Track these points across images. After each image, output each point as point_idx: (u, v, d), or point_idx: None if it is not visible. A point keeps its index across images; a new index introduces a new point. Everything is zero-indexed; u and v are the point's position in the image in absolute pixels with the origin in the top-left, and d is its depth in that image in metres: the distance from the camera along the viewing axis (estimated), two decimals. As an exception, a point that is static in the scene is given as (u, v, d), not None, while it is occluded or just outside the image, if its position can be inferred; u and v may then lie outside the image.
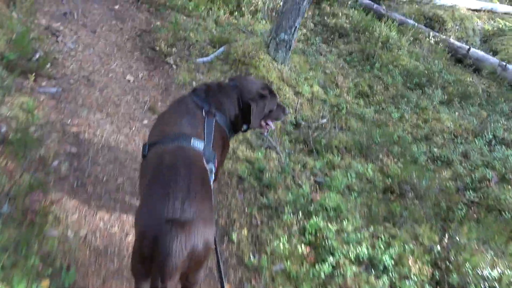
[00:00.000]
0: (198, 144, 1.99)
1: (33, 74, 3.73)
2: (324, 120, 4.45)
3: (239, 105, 2.34)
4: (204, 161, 1.99)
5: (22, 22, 4.22)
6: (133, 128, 3.69)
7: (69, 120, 3.46)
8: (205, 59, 4.81)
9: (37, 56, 3.98)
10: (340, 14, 7.12)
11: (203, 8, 5.86)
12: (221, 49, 4.98)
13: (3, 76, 3.51)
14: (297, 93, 4.60)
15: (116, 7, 5.40)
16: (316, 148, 4.03)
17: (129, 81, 4.29)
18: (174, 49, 4.77)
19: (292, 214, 3.12)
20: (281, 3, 4.48)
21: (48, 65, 3.98)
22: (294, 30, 4.49)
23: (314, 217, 3.06)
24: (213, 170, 2.06)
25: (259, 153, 3.70)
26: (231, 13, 6.22)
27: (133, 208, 2.93)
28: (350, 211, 3.30)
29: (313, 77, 5.00)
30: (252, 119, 2.36)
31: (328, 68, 5.51)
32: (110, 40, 4.78)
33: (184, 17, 5.62)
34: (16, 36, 3.93)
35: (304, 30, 6.39)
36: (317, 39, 6.32)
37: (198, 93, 2.24)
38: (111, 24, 5.07)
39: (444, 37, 7.19)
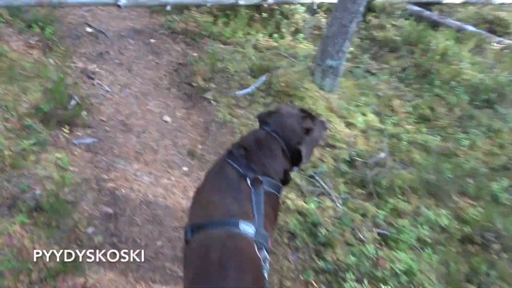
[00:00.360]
0: (248, 229, 1.65)
1: (69, 125, 3.58)
2: (383, 155, 3.92)
3: (287, 156, 2.01)
4: (256, 249, 1.64)
5: (58, 68, 4.11)
6: (172, 178, 3.39)
7: (105, 175, 3.22)
8: (245, 91, 4.47)
9: (72, 103, 3.82)
10: (388, 26, 6.54)
11: (241, 34, 5.56)
12: (262, 78, 4.62)
13: (39, 130, 3.36)
14: (349, 124, 4.12)
15: (152, 40, 5.23)
16: (377, 190, 3.52)
17: (166, 122, 4.04)
18: (212, 83, 4.47)
19: (356, 282, 2.64)
20: (326, 27, 4.05)
21: (84, 112, 3.81)
22: (342, 56, 4.04)
23: (382, 286, 2.57)
24: (268, 258, 1.69)
25: (312, 203, 3.26)
26: (270, 36, 5.87)
27: (174, 278, 2.62)
28: (424, 273, 2.78)
29: (365, 103, 4.49)
30: (304, 160, 2.04)
31: (381, 90, 4.98)
32: (146, 78, 4.58)
33: (222, 45, 5.34)
34: (52, 85, 3.80)
35: (351, 47, 5.88)
36: (365, 56, 5.81)
37: (236, 158, 1.90)
38: (147, 59, 4.88)
39: (510, 42, 6.38)
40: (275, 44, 5.63)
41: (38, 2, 4.13)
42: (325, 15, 6.61)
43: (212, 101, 4.33)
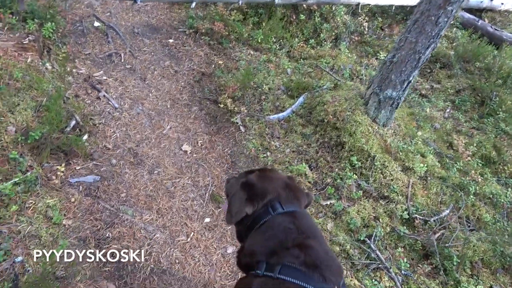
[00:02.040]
0: None
1: (66, 155, 2.86)
2: (446, 212, 3.21)
3: None
4: None
5: (56, 76, 3.35)
6: (191, 235, 2.70)
7: (108, 232, 2.52)
8: (280, 115, 3.72)
9: (72, 124, 3.09)
10: (439, 37, 5.69)
11: (273, 39, 4.74)
12: (300, 99, 3.86)
13: (26, 165, 2.64)
14: (406, 169, 3.39)
15: (171, 40, 4.43)
16: (443, 263, 2.82)
17: (185, 152, 3.31)
18: (241, 104, 3.72)
19: None
20: (392, 50, 3.26)
21: (85, 137, 3.08)
22: (407, 86, 3.27)
23: None
24: None
25: (367, 280, 2.57)
26: (307, 41, 5.05)
27: None
28: None
29: (422, 140, 3.74)
30: None
31: (437, 120, 4.21)
32: (163, 90, 3.81)
33: (252, 51, 4.54)
34: (46, 101, 3.06)
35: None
36: (414, 74, 4.98)
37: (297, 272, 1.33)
38: (164, 65, 4.10)
39: None
40: (312, 51, 4.83)
41: (35, -8, 3.34)
42: (367, 18, 5.77)
43: (240, 126, 3.59)
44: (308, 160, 3.36)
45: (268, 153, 3.38)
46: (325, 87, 4.01)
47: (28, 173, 2.63)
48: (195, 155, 3.31)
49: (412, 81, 3.27)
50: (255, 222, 1.52)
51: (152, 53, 4.21)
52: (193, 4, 4.21)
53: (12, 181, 2.51)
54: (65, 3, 3.66)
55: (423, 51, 3.05)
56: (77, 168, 2.85)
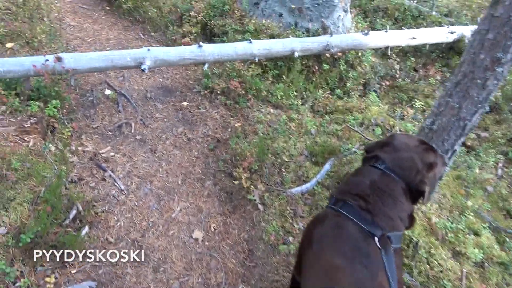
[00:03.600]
0: None
1: (61, 258, 2.57)
2: (514, 311, 2.60)
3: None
4: None
5: (60, 158, 3.12)
6: None
7: None
8: (304, 187, 3.28)
9: (72, 215, 2.81)
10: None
11: (295, 93, 4.38)
12: (326, 166, 3.42)
13: (15, 275, 2.36)
14: (457, 255, 2.82)
15: (185, 103, 4.16)
16: None
17: (196, 241, 2.93)
18: (259, 177, 3.32)
19: None
20: (430, 115, 2.78)
21: (86, 230, 2.79)
22: (451, 156, 2.76)
23: None
24: None
25: None
26: (332, 91, 4.65)
27: None
28: None
29: (474, 211, 3.16)
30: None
31: (488, 182, 3.62)
32: (174, 163, 3.51)
33: (271, 110, 4.19)
34: (45, 191, 2.81)
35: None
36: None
37: (355, 211, 1.63)
38: (177, 133, 3.82)
39: None
40: (339, 103, 4.40)
41: (36, 71, 3.17)
42: (398, 59, 5.30)
43: (259, 204, 3.18)
44: (337, 246, 2.87)
45: (291, 238, 2.94)
46: (354, 149, 3.55)
47: (18, 284, 2.35)
48: (207, 243, 2.93)
49: (457, 150, 2.75)
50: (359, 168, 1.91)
51: (165, 119, 3.95)
52: (206, 66, 3.94)
53: (-4, 298, 2.23)
54: (71, 79, 3.48)
55: (468, 117, 2.55)
56: (72, 271, 2.54)
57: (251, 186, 3.19)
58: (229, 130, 3.91)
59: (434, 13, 6.45)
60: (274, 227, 2.99)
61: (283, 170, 3.43)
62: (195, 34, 5.12)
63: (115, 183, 3.19)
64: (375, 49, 4.95)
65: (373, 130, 3.98)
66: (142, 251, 2.77)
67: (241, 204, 3.22)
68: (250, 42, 4.02)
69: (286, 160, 3.46)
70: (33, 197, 2.79)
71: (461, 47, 5.50)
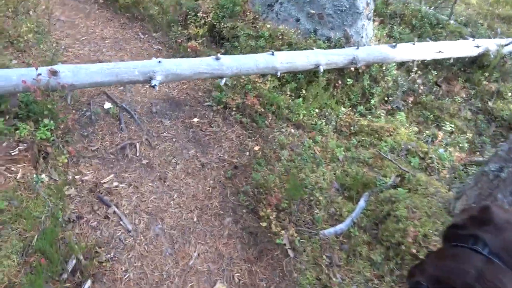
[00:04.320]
0: None
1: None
2: None
3: None
4: None
5: (54, 192, 2.61)
6: None
7: None
8: (338, 228, 2.88)
9: (70, 267, 2.33)
10: None
11: (316, 110, 3.96)
12: (361, 203, 3.02)
13: None
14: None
15: (195, 120, 3.68)
16: None
17: (219, 296, 2.49)
18: (287, 215, 2.90)
19: None
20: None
21: (88, 285, 2.31)
22: (519, 206, 2.40)
23: None
24: None
25: None
26: (354, 108, 4.25)
27: None
28: None
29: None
30: None
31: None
32: (187, 194, 3.04)
33: (292, 130, 3.75)
34: (38, 237, 2.31)
35: (469, 134, 4.20)
36: (492, 151, 4.12)
37: None
38: (188, 156, 3.34)
39: None
40: (364, 122, 4.00)
41: (26, 88, 2.63)
42: (420, 72, 4.94)
43: (288, 249, 2.76)
44: (383, 305, 2.50)
45: (329, 293, 2.54)
46: (390, 182, 3.17)
47: None
48: (231, 299, 2.50)
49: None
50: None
51: (174, 139, 3.46)
52: (223, 81, 3.46)
53: None
54: (68, 96, 2.95)
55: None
56: None
57: (279, 227, 2.77)
58: (248, 154, 3.46)
59: (452, 21, 6.11)
60: (309, 279, 2.59)
61: (314, 206, 3.02)
62: (202, 37, 4.61)
63: (121, 222, 2.71)
64: (401, 63, 4.57)
65: (405, 156, 3.60)
66: (157, 312, 2.32)
67: (268, 248, 2.79)
68: (273, 54, 3.56)
69: (317, 195, 3.05)
70: (22, 247, 2.29)
71: (484, 61, 5.18)
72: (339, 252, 2.78)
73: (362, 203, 3.03)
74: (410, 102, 4.57)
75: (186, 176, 3.19)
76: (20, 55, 3.69)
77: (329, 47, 4.32)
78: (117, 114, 3.46)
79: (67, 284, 2.28)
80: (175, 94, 3.99)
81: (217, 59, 3.32)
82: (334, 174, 3.29)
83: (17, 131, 2.65)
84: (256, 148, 3.49)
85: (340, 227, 2.90)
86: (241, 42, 4.42)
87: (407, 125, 4.11)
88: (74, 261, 2.37)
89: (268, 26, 4.55)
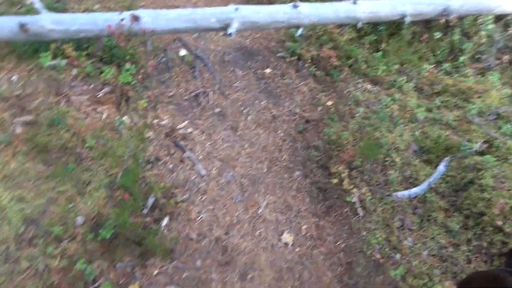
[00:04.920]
0: None
1: (140, 254, 2.28)
2: None
3: None
4: None
5: (135, 133, 2.76)
6: None
7: None
8: (412, 191, 2.75)
9: (150, 204, 2.50)
10: None
11: (396, 66, 3.68)
12: (440, 168, 2.84)
13: (94, 275, 2.11)
14: None
15: (268, 71, 3.61)
16: None
17: (286, 245, 2.55)
18: (359, 174, 2.82)
19: None
20: None
21: (165, 221, 2.47)
22: None
23: None
24: None
25: None
26: (438, 65, 3.89)
27: None
28: None
29: None
30: None
31: None
32: (258, 145, 3.06)
33: (369, 85, 3.55)
34: (122, 175, 2.48)
35: None
36: None
37: None
38: (259, 107, 3.32)
39: None
40: (449, 82, 3.66)
41: (110, 32, 2.71)
42: (520, 27, 4.33)
43: (358, 208, 2.71)
44: (455, 274, 2.39)
45: (398, 256, 2.47)
46: (475, 149, 2.92)
47: (97, 285, 2.10)
48: (298, 249, 2.54)
49: None
50: None
51: (246, 90, 3.44)
52: (299, 31, 3.31)
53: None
54: (148, 42, 3.01)
55: None
56: (154, 273, 2.26)
57: (351, 185, 2.70)
58: (320, 108, 3.35)
59: None
60: (378, 239, 2.54)
61: (388, 167, 2.89)
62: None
63: (195, 167, 2.81)
64: (499, 16, 4.02)
65: (495, 121, 3.27)
66: (227, 253, 2.43)
67: (337, 205, 2.76)
68: (355, 3, 3.30)
69: (392, 155, 2.90)
70: (109, 181, 2.48)
71: None
72: (412, 216, 2.67)
73: (442, 168, 2.84)
74: (505, 61, 4.07)
75: (257, 127, 3.20)
76: (102, -1, 3.79)
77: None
78: (192, 61, 3.49)
79: (147, 219, 2.44)
80: (248, 43, 3.92)
81: (295, 6, 3.15)
82: (412, 135, 3.10)
83: (102, 74, 2.78)
84: (329, 103, 3.37)
85: (415, 190, 2.76)
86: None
87: (500, 86, 3.69)
88: (153, 199, 2.53)
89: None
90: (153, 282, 2.23)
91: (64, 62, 2.73)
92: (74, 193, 2.35)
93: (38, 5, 2.81)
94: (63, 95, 2.64)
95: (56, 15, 2.71)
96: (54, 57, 2.73)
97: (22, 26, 2.50)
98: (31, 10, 2.92)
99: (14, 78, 2.60)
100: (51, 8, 2.97)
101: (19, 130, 2.38)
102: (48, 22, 2.59)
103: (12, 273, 2.02)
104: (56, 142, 2.41)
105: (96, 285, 2.11)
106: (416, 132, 3.11)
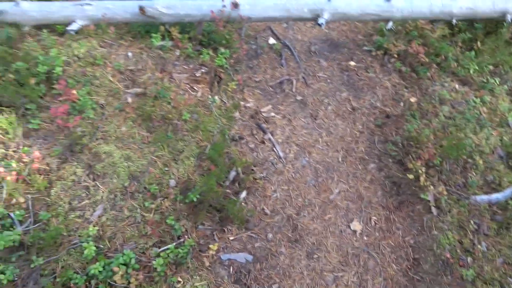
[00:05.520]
0: None
1: (221, 220, 2.55)
2: None
3: None
4: None
5: (224, 112, 3.03)
6: None
7: None
8: (493, 197, 2.67)
9: (232, 177, 2.75)
10: None
11: (490, 67, 3.50)
12: (528, 176, 2.70)
13: (180, 232, 2.41)
14: None
15: (352, 63, 3.66)
16: None
17: (354, 232, 2.65)
18: (437, 173, 2.79)
19: None
20: None
21: (244, 194, 2.71)
22: None
23: None
24: None
25: None
26: (540, 69, 3.60)
27: None
28: None
29: None
30: None
31: None
32: (335, 134, 3.16)
33: (457, 86, 3.43)
34: (210, 148, 2.77)
35: None
36: None
37: None
38: (340, 99, 3.41)
39: None
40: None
41: (212, 17, 2.99)
42: None
43: (432, 207, 2.70)
44: (532, 285, 2.31)
45: (469, 259, 2.45)
46: None
47: (182, 240, 2.41)
48: (365, 238, 2.62)
49: None
50: None
51: (328, 80, 3.54)
52: (389, 24, 3.31)
53: (165, 249, 2.31)
54: (243, 28, 3.25)
55: None
56: (230, 238, 2.51)
57: (427, 181, 2.69)
58: (402, 104, 3.34)
59: None
60: (450, 240, 2.52)
61: (468, 169, 2.82)
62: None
63: (274, 148, 3.01)
64: None
65: None
66: (297, 231, 2.61)
67: (410, 201, 2.77)
68: (453, -1, 3.20)
69: (476, 158, 2.82)
70: (199, 152, 2.77)
71: None
72: (489, 221, 2.60)
73: (530, 176, 2.70)
74: None
75: (336, 117, 3.29)
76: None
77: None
78: (279, 50, 3.67)
79: (228, 190, 2.70)
80: (334, 35, 3.99)
81: (388, 0, 3.15)
82: (500, 139, 2.97)
83: (201, 56, 3.08)
84: (413, 99, 3.33)
85: (497, 196, 2.67)
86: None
87: None
88: (234, 173, 2.77)
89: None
90: (228, 246, 2.48)
91: (170, 43, 3.07)
92: (170, 158, 2.68)
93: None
94: (167, 72, 2.99)
95: (168, 0, 3.06)
96: (162, 38, 3.08)
97: (141, 9, 2.88)
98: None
99: (130, 54, 3.00)
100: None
101: (130, 99, 2.77)
102: (161, 6, 2.95)
103: (116, 219, 2.40)
104: (159, 112, 2.76)
105: (181, 240, 2.42)
106: (505, 137, 2.97)
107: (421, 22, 3.64)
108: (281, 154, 2.98)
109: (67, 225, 2.24)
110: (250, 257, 2.44)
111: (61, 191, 2.30)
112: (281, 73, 3.53)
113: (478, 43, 3.65)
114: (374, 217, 2.73)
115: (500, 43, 3.60)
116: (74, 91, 2.48)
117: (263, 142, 3.04)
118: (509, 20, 3.35)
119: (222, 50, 3.18)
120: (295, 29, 3.98)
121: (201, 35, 3.24)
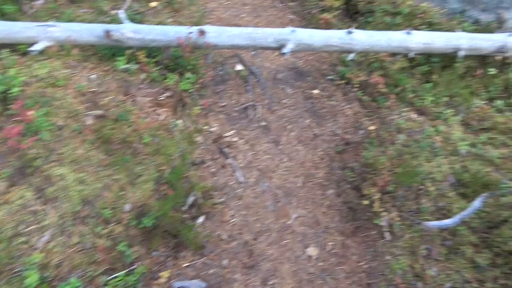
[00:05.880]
0: None
1: (174, 246, 2.54)
2: None
3: None
4: None
5: (186, 136, 3.05)
6: None
7: None
8: (443, 223, 2.75)
9: (190, 201, 2.76)
10: None
11: (445, 98, 3.67)
12: (476, 203, 2.80)
13: (132, 258, 2.38)
14: None
15: (316, 91, 3.78)
16: None
17: (310, 258, 2.68)
18: (391, 200, 2.87)
19: None
20: None
21: (201, 220, 2.71)
22: None
23: None
24: None
25: None
26: (491, 101, 3.81)
27: None
28: None
29: None
30: None
31: None
32: (296, 160, 3.23)
33: (413, 116, 3.57)
34: (170, 172, 2.77)
35: None
36: None
37: None
38: (302, 125, 3.50)
39: None
40: (499, 119, 3.58)
41: (179, 43, 3.06)
42: None
43: (385, 232, 2.77)
44: (478, 311, 2.37)
45: (420, 284, 2.50)
46: (518, 190, 2.85)
47: (134, 267, 2.37)
48: (321, 264, 2.65)
49: None
50: None
51: (292, 107, 3.64)
52: (351, 56, 3.46)
53: (114, 277, 2.27)
54: (210, 55, 3.33)
55: None
56: (184, 264, 2.50)
57: (381, 208, 2.77)
58: (361, 132, 3.45)
59: None
60: (401, 265, 2.58)
61: (421, 195, 2.92)
62: (337, 10, 4.57)
63: (235, 173, 3.04)
64: None
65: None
66: (253, 256, 2.61)
67: (365, 226, 2.84)
68: (409, 34, 3.38)
69: (428, 185, 2.93)
70: (157, 176, 2.77)
71: None
72: (439, 246, 2.68)
73: (477, 203, 2.81)
74: None
75: (298, 143, 3.37)
76: (174, 14, 4.21)
77: (476, 31, 3.89)
78: (246, 76, 3.76)
79: (186, 215, 2.70)
80: (301, 64, 4.12)
81: (349, 33, 3.31)
82: (451, 168, 3.09)
83: (166, 80, 3.13)
84: (372, 127, 3.45)
85: (447, 222, 2.76)
86: (376, 18, 4.27)
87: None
88: (193, 198, 2.78)
89: (410, 2, 4.28)
90: (182, 273, 2.46)
91: (135, 66, 3.12)
92: (127, 182, 2.67)
93: (122, 15, 3.25)
94: (130, 95, 3.01)
95: (135, 25, 3.12)
96: (128, 61, 3.12)
97: (107, 32, 2.92)
98: (115, 20, 3.37)
99: (93, 76, 3.01)
100: (132, 19, 3.39)
101: (89, 121, 2.77)
102: (128, 30, 3.00)
103: (65, 245, 2.34)
104: (119, 135, 2.76)
105: (132, 267, 2.38)
106: (456, 165, 3.10)
107: (382, 54, 3.81)
108: (242, 179, 3.01)
109: (10, 252, 2.18)
110: (203, 285, 2.42)
111: (6, 215, 2.25)
112: (246, 98, 3.60)
113: (435, 76, 3.84)
114: (331, 243, 2.77)
115: (455, 77, 3.80)
116: (31, 112, 2.46)
117: (224, 167, 3.07)
118: (462, 56, 3.55)
119: (188, 75, 3.24)
120: (262, 57, 4.09)
121: (168, 59, 3.29)
